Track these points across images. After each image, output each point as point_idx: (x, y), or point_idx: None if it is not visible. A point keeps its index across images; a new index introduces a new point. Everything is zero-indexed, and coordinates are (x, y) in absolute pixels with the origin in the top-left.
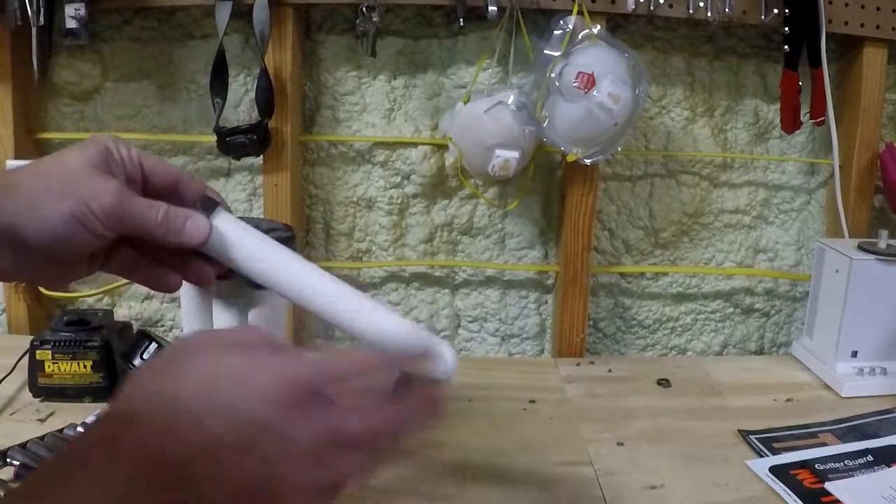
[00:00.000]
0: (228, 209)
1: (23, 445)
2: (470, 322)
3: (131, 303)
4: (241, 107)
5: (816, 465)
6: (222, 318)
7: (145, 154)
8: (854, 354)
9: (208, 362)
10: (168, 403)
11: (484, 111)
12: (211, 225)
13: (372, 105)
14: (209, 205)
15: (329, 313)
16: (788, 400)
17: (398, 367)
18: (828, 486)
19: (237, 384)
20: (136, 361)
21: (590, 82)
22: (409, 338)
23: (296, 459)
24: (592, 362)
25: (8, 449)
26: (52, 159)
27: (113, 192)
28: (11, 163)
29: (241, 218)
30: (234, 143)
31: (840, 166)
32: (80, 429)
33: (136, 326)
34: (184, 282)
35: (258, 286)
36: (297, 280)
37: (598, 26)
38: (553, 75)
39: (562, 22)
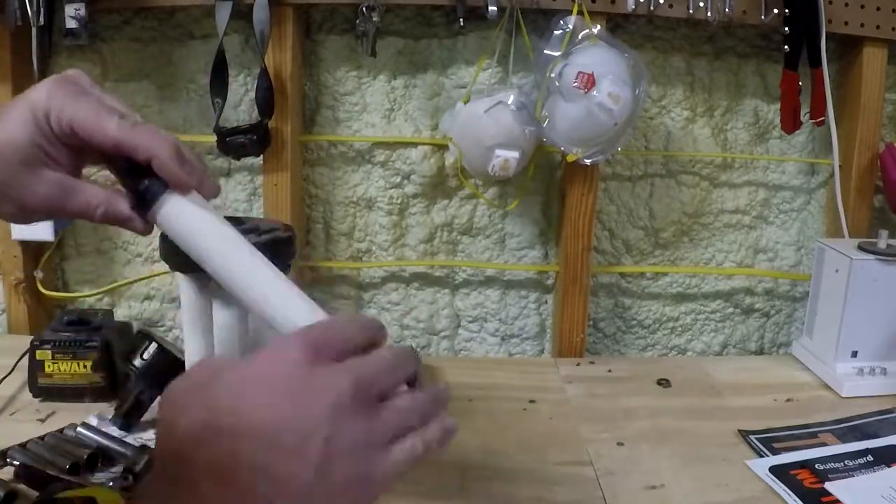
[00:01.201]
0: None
1: (23, 445)
2: (470, 322)
3: (131, 303)
4: (241, 107)
5: (816, 465)
6: (222, 317)
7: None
8: (854, 354)
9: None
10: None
11: (484, 111)
12: (151, 224)
13: (372, 105)
14: (156, 190)
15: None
16: (788, 400)
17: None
18: (828, 486)
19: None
20: (137, 362)
21: (590, 82)
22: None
23: (339, 456)
24: (592, 362)
25: (8, 449)
26: None
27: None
28: None
29: (237, 218)
30: (234, 143)
31: (840, 166)
32: (80, 429)
33: (136, 326)
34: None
35: None
36: (235, 269)
37: (598, 26)
38: (553, 75)
39: (562, 22)
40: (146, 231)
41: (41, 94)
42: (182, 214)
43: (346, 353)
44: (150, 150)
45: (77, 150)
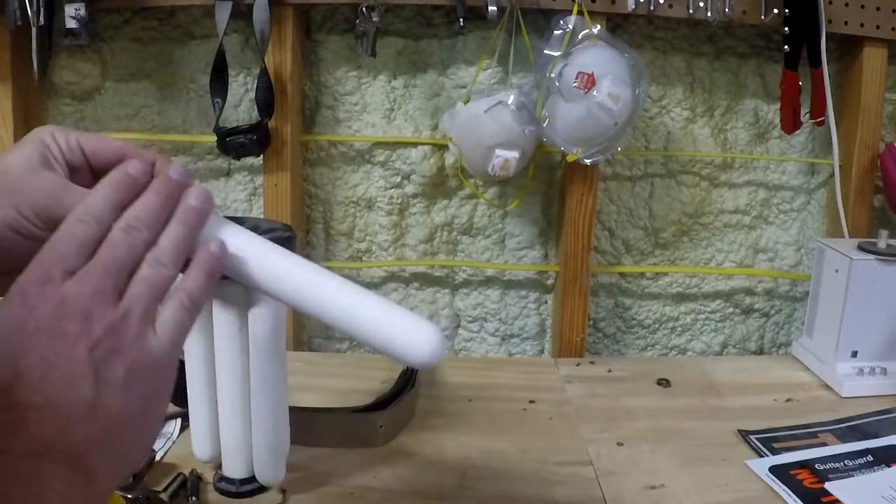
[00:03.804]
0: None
1: None
2: (470, 322)
3: None
4: (241, 107)
5: (816, 465)
6: (222, 317)
7: (86, 135)
8: (854, 354)
9: None
10: None
11: (484, 111)
12: None
13: (372, 105)
14: None
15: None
16: (788, 400)
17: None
18: (828, 486)
19: None
20: None
21: (590, 82)
22: (388, 320)
23: (108, 359)
24: (592, 362)
25: None
26: None
27: (45, 188)
28: None
29: (237, 218)
30: (234, 143)
31: (840, 166)
32: None
33: None
34: None
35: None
36: (259, 264)
37: (598, 26)
38: (553, 75)
39: (562, 22)
40: None
41: (44, 127)
42: None
43: (73, 266)
44: (152, 157)
45: (74, 171)
